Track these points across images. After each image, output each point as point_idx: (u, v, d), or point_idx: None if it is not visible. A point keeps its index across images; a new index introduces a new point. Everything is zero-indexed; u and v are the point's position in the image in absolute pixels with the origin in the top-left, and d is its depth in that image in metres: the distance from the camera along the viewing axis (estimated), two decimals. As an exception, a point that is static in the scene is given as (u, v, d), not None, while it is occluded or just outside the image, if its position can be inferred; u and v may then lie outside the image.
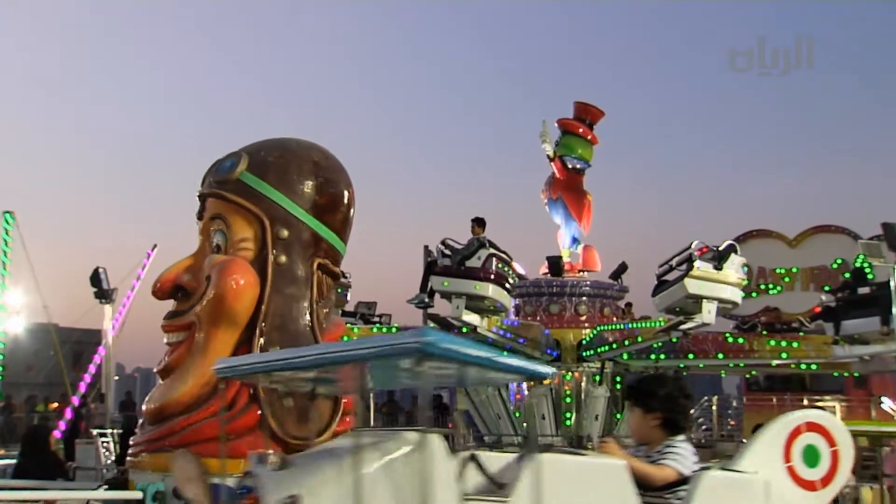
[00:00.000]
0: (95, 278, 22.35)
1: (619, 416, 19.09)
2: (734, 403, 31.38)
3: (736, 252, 15.54)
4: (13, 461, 18.13)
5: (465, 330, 16.29)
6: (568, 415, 18.90)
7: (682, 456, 5.24)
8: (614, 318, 20.17)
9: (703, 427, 29.30)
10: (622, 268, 20.70)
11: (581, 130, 21.15)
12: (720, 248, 15.47)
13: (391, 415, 32.66)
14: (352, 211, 5.55)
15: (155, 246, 30.49)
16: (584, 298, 19.91)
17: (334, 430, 7.37)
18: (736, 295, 15.80)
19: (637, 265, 21.45)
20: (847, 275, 16.79)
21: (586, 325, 19.57)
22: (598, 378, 19.20)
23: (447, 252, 16.29)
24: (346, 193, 5.54)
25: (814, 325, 18.41)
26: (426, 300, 16.54)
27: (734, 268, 15.51)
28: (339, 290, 17.02)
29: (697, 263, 15.04)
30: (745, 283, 16.57)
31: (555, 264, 19.43)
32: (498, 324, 17.50)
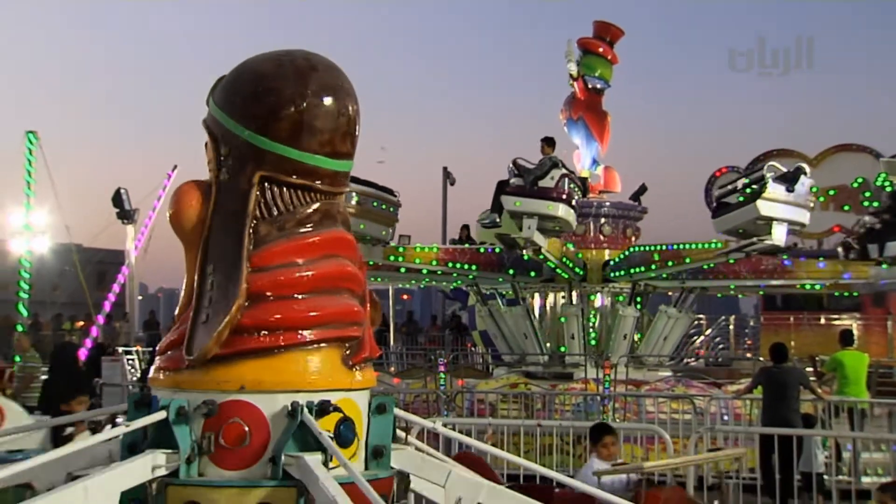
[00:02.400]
0: (117, 199, 22.48)
1: (640, 336, 19.16)
2: (751, 323, 31.45)
3: (805, 174, 15.52)
4: (43, 377, 18.48)
5: (525, 257, 16.28)
6: (592, 334, 18.96)
7: None
8: (633, 239, 20.09)
9: (721, 346, 29.43)
10: (642, 189, 20.59)
11: (601, 50, 20.90)
12: (790, 171, 15.44)
13: (410, 334, 32.91)
14: (307, 116, 5.26)
15: (175, 167, 30.58)
16: (608, 219, 19.84)
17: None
18: (805, 216, 15.75)
19: (651, 186, 21.26)
20: (868, 193, 16.65)
21: (606, 245, 19.50)
22: (621, 298, 19.24)
23: (518, 172, 16.26)
24: (293, 100, 5.25)
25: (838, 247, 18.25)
26: (497, 220, 16.57)
27: (804, 189, 15.51)
28: (385, 207, 17.01)
29: (770, 186, 15.00)
30: (813, 205, 16.55)
31: (581, 185, 19.35)
32: (556, 245, 17.52)
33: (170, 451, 4.88)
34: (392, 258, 18.29)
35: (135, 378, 19.93)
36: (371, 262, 17.78)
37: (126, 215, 26.11)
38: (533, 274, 18.80)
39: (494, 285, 20.41)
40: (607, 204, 19.89)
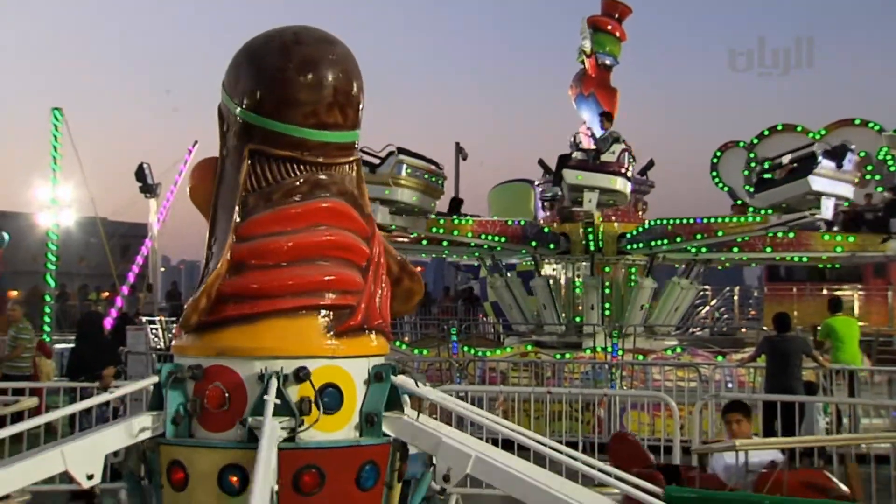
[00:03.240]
0: (140, 173, 22.57)
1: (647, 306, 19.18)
2: (755, 294, 31.41)
3: (852, 150, 15.57)
4: (70, 345, 18.61)
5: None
6: (607, 305, 18.98)
7: None
8: (641, 213, 20.08)
9: (725, 316, 29.42)
10: (650, 164, 20.56)
11: (610, 27, 20.84)
12: (838, 147, 15.48)
13: (423, 305, 32.94)
14: (289, 89, 5.25)
15: (196, 142, 30.60)
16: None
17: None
18: (849, 191, 15.88)
19: (657, 161, 21.19)
20: (870, 167, 16.59)
21: (616, 219, 19.49)
22: (634, 270, 19.27)
23: (579, 146, 16.40)
24: (274, 74, 5.26)
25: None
26: (559, 193, 16.63)
27: (851, 165, 15.55)
28: (434, 179, 17.03)
29: (822, 162, 15.02)
30: (858, 180, 16.64)
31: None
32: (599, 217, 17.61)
33: (156, 412, 4.99)
34: (434, 230, 18.35)
35: (158, 346, 20.07)
36: (414, 234, 17.93)
37: (149, 189, 26.23)
38: (552, 246, 18.83)
39: (508, 258, 20.45)
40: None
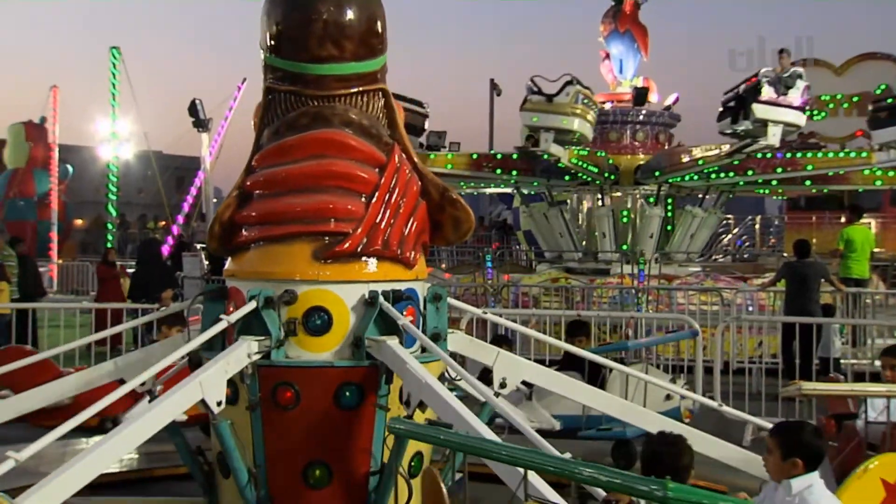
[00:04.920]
0: (193, 109, 22.47)
1: (670, 228, 19.06)
2: (776, 222, 31.11)
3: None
4: (130, 270, 18.87)
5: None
6: (624, 233, 18.90)
7: None
8: (666, 145, 19.89)
9: (747, 244, 29.22)
10: (642, 92, 20.13)
11: (642, -36, 20.45)
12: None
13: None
14: (283, 27, 5.24)
15: (245, 79, 30.54)
16: (641, 126, 19.60)
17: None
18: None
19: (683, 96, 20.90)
20: (891, 100, 16.20)
21: (641, 151, 19.34)
22: (652, 199, 19.10)
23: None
24: (273, 15, 5.27)
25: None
26: (738, 129, 16.47)
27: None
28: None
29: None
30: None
31: (641, 95, 19.07)
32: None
33: (260, 337, 5.06)
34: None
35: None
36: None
37: (201, 124, 26.16)
38: (567, 178, 18.68)
39: (541, 188, 20.36)
40: (643, 112, 19.62)
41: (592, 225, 19.13)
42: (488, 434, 4.27)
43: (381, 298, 5.08)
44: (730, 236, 28.80)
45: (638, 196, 19.33)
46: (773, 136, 15.21)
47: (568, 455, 3.89)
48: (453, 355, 5.57)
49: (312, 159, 5.28)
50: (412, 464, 5.09)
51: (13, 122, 32.85)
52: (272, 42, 5.30)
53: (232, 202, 5.47)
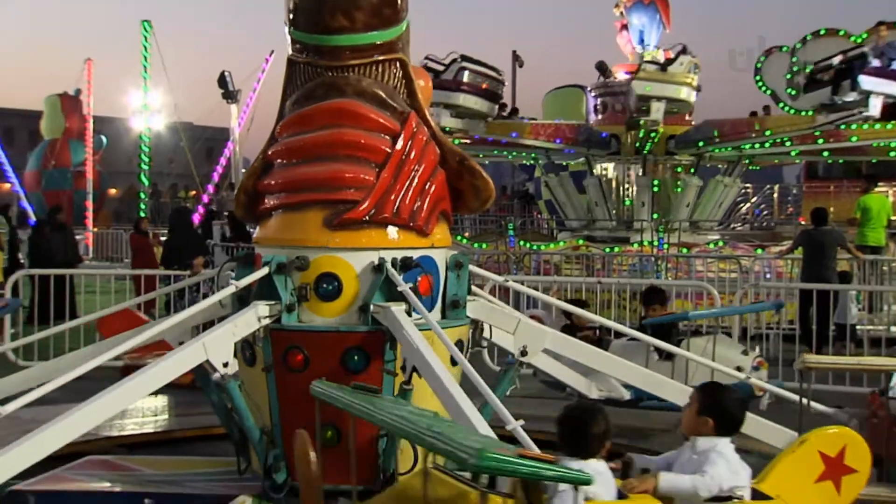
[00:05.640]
0: (222, 81, 22.55)
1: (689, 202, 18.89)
2: (794, 191, 30.82)
3: (684, 53, 15.42)
4: (162, 238, 18.98)
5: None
6: (659, 202, 18.77)
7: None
8: (687, 116, 19.61)
9: (765, 213, 28.97)
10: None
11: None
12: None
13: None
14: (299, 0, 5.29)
15: (272, 52, 30.48)
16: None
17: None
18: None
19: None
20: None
21: (666, 122, 19.04)
22: (679, 169, 18.99)
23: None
24: None
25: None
26: (839, 100, 16.00)
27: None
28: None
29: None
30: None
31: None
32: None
33: (271, 302, 5.15)
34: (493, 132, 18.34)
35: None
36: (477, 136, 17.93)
37: (230, 95, 26.28)
38: (604, 148, 18.55)
39: (562, 158, 20.24)
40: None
41: (623, 194, 19.02)
42: (465, 404, 4.32)
43: (389, 265, 5.07)
44: (748, 205, 28.56)
45: (667, 166, 19.19)
46: (874, 108, 15.11)
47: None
48: (475, 322, 5.56)
49: (326, 129, 5.28)
50: None
51: (49, 95, 33.01)
52: (291, 15, 5.31)
53: (255, 171, 5.52)
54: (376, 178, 5.18)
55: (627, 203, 18.89)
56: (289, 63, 5.44)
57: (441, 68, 16.53)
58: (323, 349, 5.08)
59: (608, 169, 20.18)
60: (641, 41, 20.03)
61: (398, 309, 4.96)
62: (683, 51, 16.01)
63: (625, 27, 20.47)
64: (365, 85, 5.30)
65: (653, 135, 17.20)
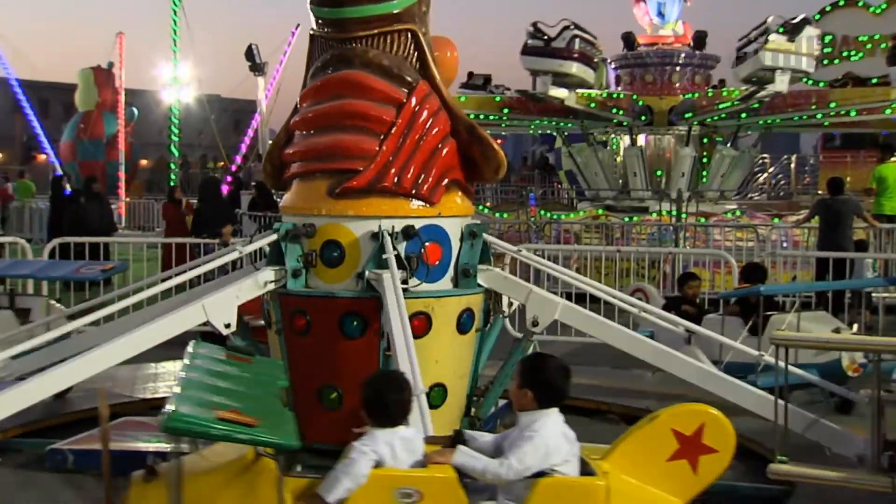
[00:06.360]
0: (249, 54, 22.42)
1: (705, 173, 18.74)
2: (811, 161, 30.54)
3: (810, 24, 14.91)
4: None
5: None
6: (659, 173, 18.64)
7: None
8: (705, 86, 19.42)
9: (783, 182, 28.75)
10: (702, 35, 19.67)
11: None
12: (794, 21, 14.79)
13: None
14: None
15: (298, 25, 30.39)
16: (678, 68, 19.16)
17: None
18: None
19: (724, 39, 20.42)
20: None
21: (679, 92, 18.91)
22: (684, 139, 18.81)
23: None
24: None
25: None
26: None
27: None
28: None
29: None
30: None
31: (700, 39, 18.78)
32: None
33: (277, 267, 5.21)
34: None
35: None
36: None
37: (257, 68, 26.15)
38: (643, 118, 18.37)
39: (593, 128, 20.15)
40: (682, 54, 19.17)
41: (625, 164, 18.97)
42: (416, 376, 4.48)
43: (385, 233, 5.08)
44: (766, 175, 28.33)
45: (671, 136, 19.03)
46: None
47: None
48: (487, 291, 5.55)
49: (334, 100, 5.31)
50: (431, 394, 5.05)
51: (83, 68, 33.11)
52: None
53: (279, 141, 5.60)
54: (379, 147, 5.17)
55: (659, 174, 18.68)
56: (310, 38, 5.48)
57: (550, 35, 16.27)
58: (322, 314, 5.15)
59: (637, 139, 20.08)
60: (660, 13, 19.81)
61: (388, 276, 4.97)
62: (807, 21, 15.42)
63: (641, -1, 20.25)
64: (371, 56, 5.30)
65: (755, 105, 16.88)
